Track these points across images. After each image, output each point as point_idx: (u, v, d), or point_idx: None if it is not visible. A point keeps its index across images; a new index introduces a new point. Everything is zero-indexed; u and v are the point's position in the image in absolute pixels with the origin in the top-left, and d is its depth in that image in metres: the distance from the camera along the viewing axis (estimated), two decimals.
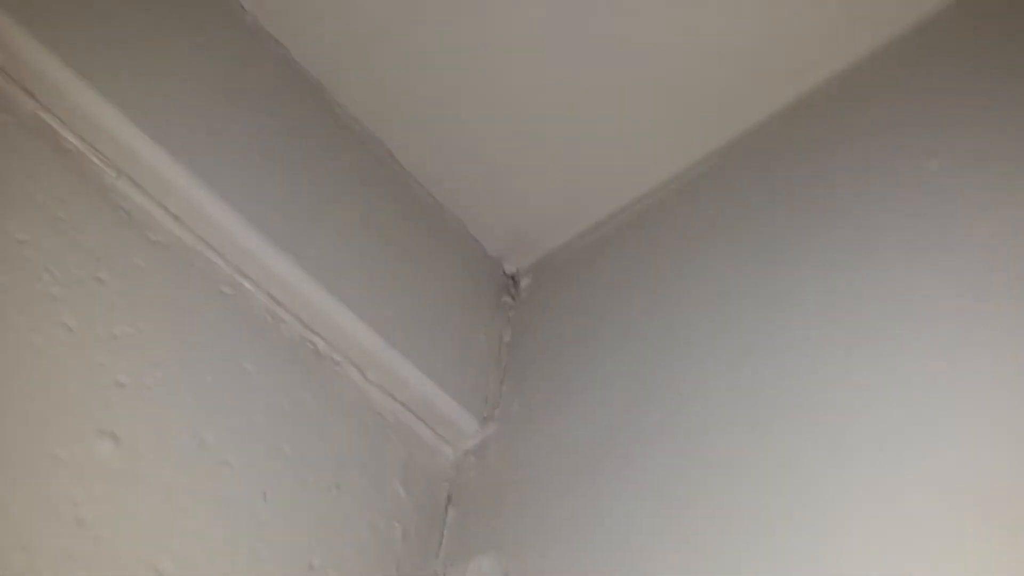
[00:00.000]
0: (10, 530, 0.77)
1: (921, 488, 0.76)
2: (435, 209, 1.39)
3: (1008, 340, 0.79)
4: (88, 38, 1.03)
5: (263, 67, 1.23)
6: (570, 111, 1.30)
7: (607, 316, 1.24)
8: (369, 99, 1.32)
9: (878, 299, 0.92)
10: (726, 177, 1.24)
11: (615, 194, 1.36)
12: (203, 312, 1.03)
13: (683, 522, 0.92)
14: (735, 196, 1.20)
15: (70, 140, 1.00)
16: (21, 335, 0.86)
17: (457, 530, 1.15)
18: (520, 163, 1.37)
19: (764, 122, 1.23)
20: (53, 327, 0.88)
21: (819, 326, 0.96)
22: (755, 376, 0.98)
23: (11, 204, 0.91)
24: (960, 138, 0.98)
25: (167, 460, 0.91)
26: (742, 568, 0.84)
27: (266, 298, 1.10)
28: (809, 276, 1.01)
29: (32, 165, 0.95)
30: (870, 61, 1.15)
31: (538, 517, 1.06)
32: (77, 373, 0.88)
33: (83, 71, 1.00)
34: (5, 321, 0.85)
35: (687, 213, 1.26)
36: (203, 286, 1.05)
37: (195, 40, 1.15)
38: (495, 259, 1.45)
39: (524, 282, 1.44)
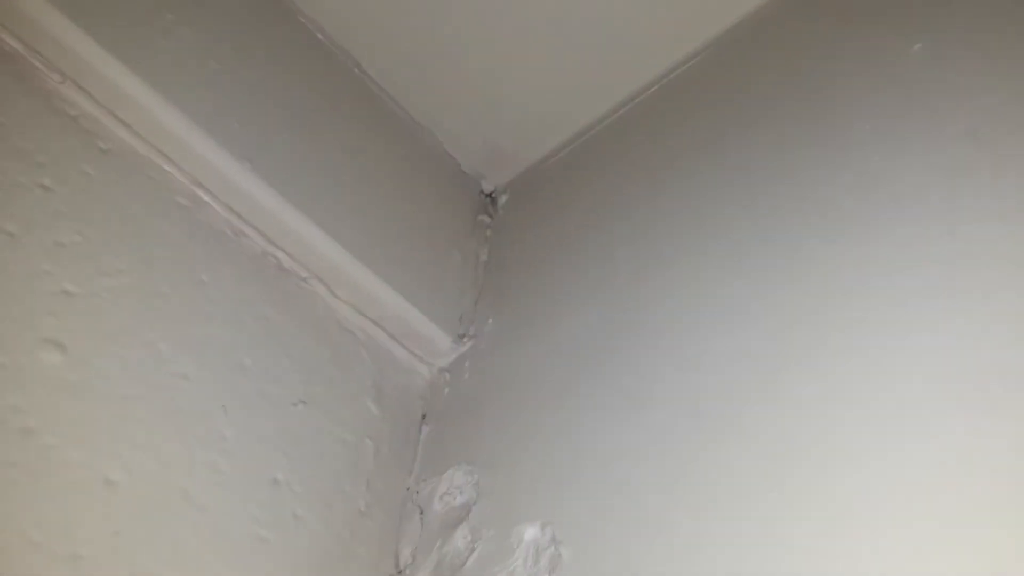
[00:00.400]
0: None
1: (917, 376, 0.72)
2: (407, 123, 1.34)
3: (995, 221, 0.75)
4: None
5: None
6: (545, 19, 1.25)
7: (586, 232, 1.19)
8: (334, 6, 1.26)
9: (862, 190, 0.88)
10: (705, 79, 1.19)
11: (594, 102, 1.32)
12: (158, 223, 0.98)
13: (658, 430, 0.89)
14: (715, 98, 1.15)
15: (9, 43, 0.95)
16: None
17: (431, 447, 1.12)
18: (495, 74, 1.32)
19: (744, 20, 1.18)
20: None
21: (802, 224, 0.92)
22: (737, 285, 0.94)
23: None
24: (945, 19, 0.92)
25: (120, 370, 0.87)
26: (720, 473, 0.81)
27: (225, 210, 1.05)
28: (791, 174, 0.97)
29: None
30: None
31: (512, 431, 1.03)
32: (19, 280, 0.84)
33: None
34: None
35: (666, 120, 1.21)
36: (158, 196, 1.00)
37: None
38: (471, 176, 1.40)
39: (502, 200, 1.40)
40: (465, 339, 1.20)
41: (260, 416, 0.97)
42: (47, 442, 0.79)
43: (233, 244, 1.05)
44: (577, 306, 1.10)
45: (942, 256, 0.77)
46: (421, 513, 1.04)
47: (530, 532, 0.90)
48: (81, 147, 0.96)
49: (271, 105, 1.12)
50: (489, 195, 1.41)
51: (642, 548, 0.81)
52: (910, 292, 0.77)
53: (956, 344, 0.71)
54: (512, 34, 1.27)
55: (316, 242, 1.09)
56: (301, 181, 1.10)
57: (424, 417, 1.15)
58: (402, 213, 1.24)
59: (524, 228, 1.32)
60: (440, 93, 1.34)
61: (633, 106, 1.29)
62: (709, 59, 1.21)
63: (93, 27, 0.97)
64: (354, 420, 1.07)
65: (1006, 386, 0.66)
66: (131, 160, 0.99)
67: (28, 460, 0.78)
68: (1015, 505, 0.62)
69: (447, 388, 1.17)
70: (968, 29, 0.90)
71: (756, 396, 0.83)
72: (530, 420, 1.02)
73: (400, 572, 1.00)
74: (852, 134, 0.93)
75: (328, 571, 0.95)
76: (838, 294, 0.83)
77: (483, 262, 1.32)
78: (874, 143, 0.90)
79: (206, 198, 1.04)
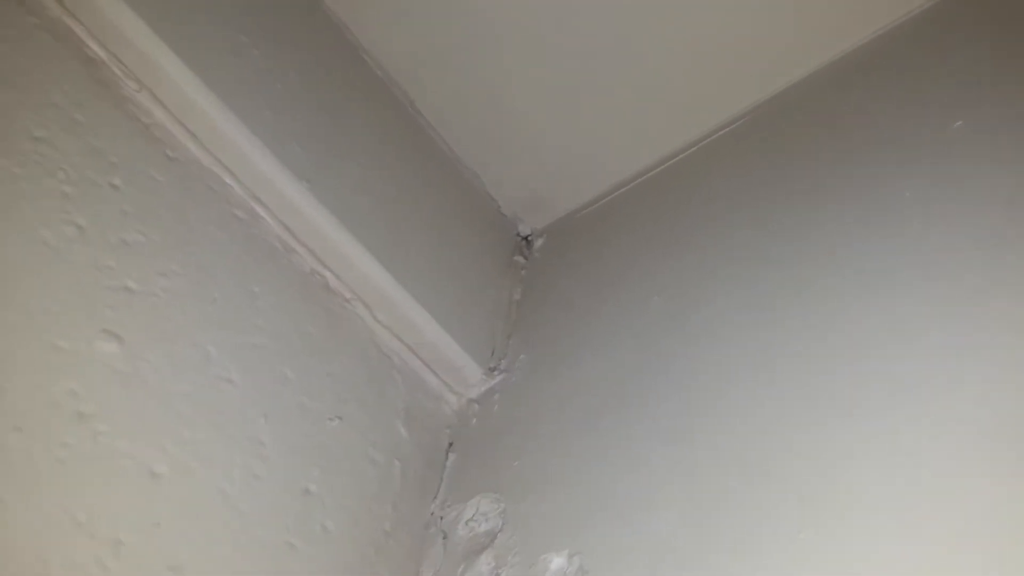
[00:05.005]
0: (6, 410, 0.75)
1: (937, 430, 0.74)
2: (453, 162, 1.38)
3: None
4: None
5: (291, 4, 1.22)
6: (594, 77, 1.30)
7: (619, 275, 1.22)
8: (393, 46, 1.31)
9: (900, 251, 0.90)
10: (747, 142, 1.23)
11: (635, 157, 1.36)
12: (215, 232, 1.02)
13: (687, 467, 0.90)
14: (755, 160, 1.19)
15: (94, 48, 0.99)
16: (30, 227, 0.85)
17: (456, 476, 1.13)
18: (541, 124, 1.37)
19: (789, 88, 1.23)
20: (63, 224, 0.87)
21: (839, 281, 0.94)
22: (770, 335, 0.96)
23: (30, 101, 0.91)
24: (985, 99, 0.97)
25: (170, 368, 0.89)
26: (746, 512, 0.82)
27: (279, 227, 1.09)
28: (829, 233, 1.00)
29: (53, 68, 0.95)
30: (898, 29, 1.15)
31: (539, 462, 1.04)
32: (85, 272, 0.87)
33: None
34: (16, 212, 0.84)
35: (706, 178, 1.25)
36: (217, 207, 1.04)
37: None
38: (509, 218, 1.44)
39: (538, 243, 1.43)
40: (496, 372, 1.22)
41: (298, 427, 0.99)
42: (98, 428, 0.81)
43: (284, 260, 1.08)
44: (609, 347, 1.12)
45: (977, 318, 0.80)
46: (444, 538, 1.04)
47: (557, 561, 0.91)
48: (151, 153, 0.99)
49: (330, 132, 1.17)
50: (525, 238, 1.45)
51: None
52: (943, 351, 0.79)
53: (988, 404, 0.73)
54: (561, 88, 1.32)
55: (363, 265, 1.12)
56: (353, 207, 1.14)
57: (451, 446, 1.17)
58: (443, 247, 1.28)
59: (558, 271, 1.35)
60: (487, 138, 1.39)
61: (672, 164, 1.33)
62: (752, 123, 1.25)
63: (173, 40, 1.01)
64: (384, 441, 1.08)
65: None
66: (195, 170, 1.03)
67: (80, 444, 0.79)
68: None
69: (475, 419, 1.18)
70: (1007, 109, 0.94)
71: (784, 440, 0.85)
72: (560, 453, 1.03)
73: None
74: (892, 199, 0.96)
75: None
76: (871, 348, 0.85)
77: (516, 301, 1.35)
78: (913, 208, 0.93)
79: (262, 213, 1.07)
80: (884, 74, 1.11)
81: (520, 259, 1.41)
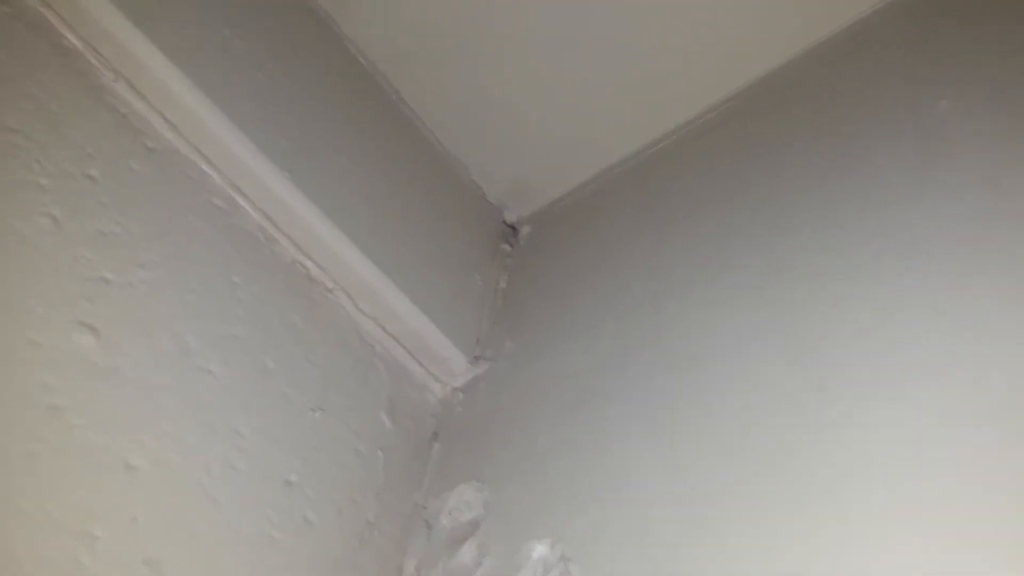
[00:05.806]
0: None
1: (923, 416, 0.74)
2: (438, 150, 1.37)
3: (1015, 269, 0.77)
4: None
5: None
6: (577, 64, 1.29)
7: (605, 262, 1.22)
8: (378, 35, 1.30)
9: (884, 233, 0.90)
10: (731, 126, 1.22)
11: (619, 143, 1.35)
12: (194, 221, 1.01)
13: (670, 452, 0.90)
14: (740, 145, 1.18)
15: (69, 38, 0.98)
16: (4, 220, 0.84)
17: (441, 465, 1.12)
18: (525, 111, 1.35)
19: (775, 71, 1.21)
20: (38, 216, 0.86)
21: (823, 264, 0.94)
22: (753, 319, 0.96)
23: (3, 92, 0.90)
24: (971, 79, 0.95)
25: (148, 359, 0.89)
26: (730, 496, 0.82)
27: (259, 215, 1.08)
28: (813, 216, 0.99)
29: (28, 58, 0.93)
30: (884, 10, 1.14)
31: (523, 450, 1.04)
32: (60, 264, 0.86)
33: None
34: None
35: (692, 163, 1.24)
36: (196, 196, 1.03)
37: None
38: (495, 206, 1.43)
39: (524, 230, 1.42)
40: (481, 361, 1.21)
41: (278, 418, 0.98)
42: (73, 422, 0.81)
43: (265, 249, 1.07)
44: (593, 334, 1.12)
45: (964, 298, 0.79)
46: (428, 528, 1.04)
47: (539, 549, 0.90)
48: (129, 144, 0.98)
49: (313, 121, 1.16)
50: (511, 225, 1.44)
51: (652, 569, 0.82)
52: (929, 332, 0.79)
53: (976, 385, 0.73)
54: (544, 74, 1.31)
55: (345, 254, 1.11)
56: (336, 195, 1.13)
57: (435, 435, 1.17)
58: (427, 235, 1.27)
59: (544, 259, 1.35)
60: (471, 125, 1.38)
61: (658, 148, 1.32)
62: (736, 107, 1.24)
63: (152, 31, 1.00)
64: (368, 431, 1.08)
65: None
66: (174, 160, 1.02)
67: (53, 437, 0.79)
68: None
69: (460, 408, 1.18)
70: (993, 88, 0.93)
71: (766, 425, 0.84)
72: (544, 440, 1.03)
73: None
74: (876, 181, 0.95)
75: None
76: (856, 330, 0.85)
77: (502, 289, 1.34)
78: (897, 190, 0.92)
79: (242, 202, 1.06)
80: (869, 55, 1.10)
81: (506, 247, 1.40)
